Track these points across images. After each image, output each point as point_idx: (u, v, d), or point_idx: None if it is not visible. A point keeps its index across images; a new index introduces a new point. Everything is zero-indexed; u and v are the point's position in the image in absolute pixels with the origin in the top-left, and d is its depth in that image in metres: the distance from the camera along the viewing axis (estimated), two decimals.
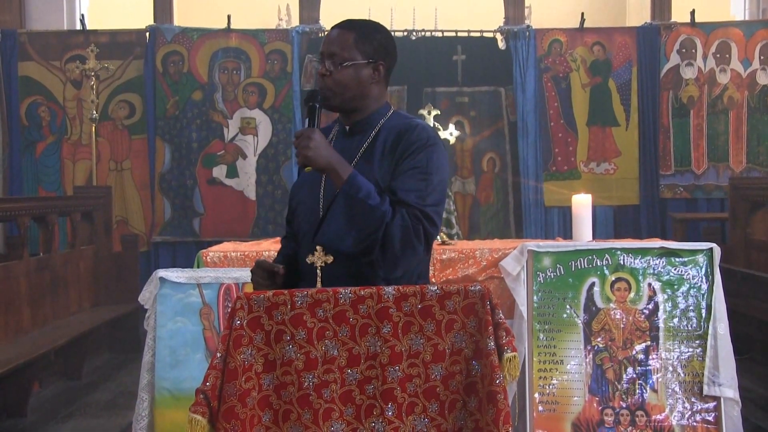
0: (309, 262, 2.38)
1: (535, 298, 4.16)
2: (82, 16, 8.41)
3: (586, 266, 4.19)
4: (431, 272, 4.24)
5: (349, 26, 2.49)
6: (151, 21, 8.32)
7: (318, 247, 2.37)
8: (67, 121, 8.14)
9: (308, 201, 2.48)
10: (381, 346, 2.14)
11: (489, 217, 8.28)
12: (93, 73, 7.76)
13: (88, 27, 8.30)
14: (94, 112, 7.73)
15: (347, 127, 2.53)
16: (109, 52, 8.07)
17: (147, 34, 8.16)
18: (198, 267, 4.30)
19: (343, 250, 2.31)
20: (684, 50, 8.20)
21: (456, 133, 4.83)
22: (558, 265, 4.18)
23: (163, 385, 3.96)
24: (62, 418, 5.34)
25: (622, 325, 4.15)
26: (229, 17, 8.19)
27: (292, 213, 2.59)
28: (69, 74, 8.07)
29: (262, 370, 2.14)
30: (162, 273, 4.09)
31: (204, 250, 4.45)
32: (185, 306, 4.04)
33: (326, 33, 2.52)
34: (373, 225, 2.26)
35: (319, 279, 2.36)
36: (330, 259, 2.36)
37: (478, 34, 8.33)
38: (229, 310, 2.21)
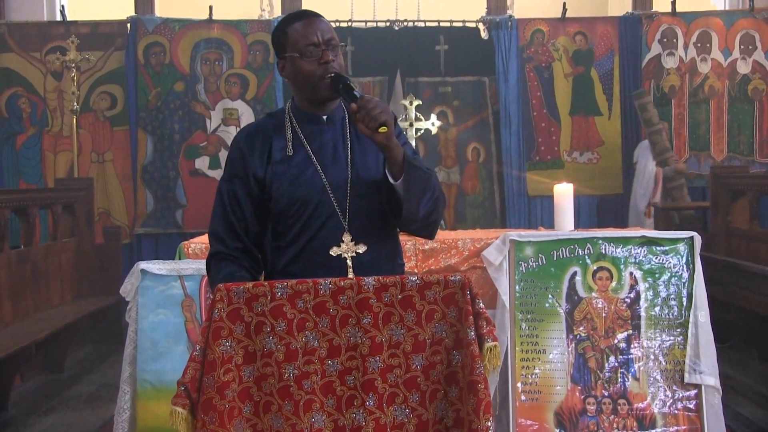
0: (335, 254, 2.36)
1: (517, 287, 4.16)
2: (62, 6, 8.35)
3: (568, 256, 4.20)
4: (414, 263, 4.25)
5: (319, 14, 2.47)
6: (132, 12, 8.26)
7: (345, 238, 2.36)
8: (48, 113, 8.08)
9: (315, 195, 2.40)
10: (361, 336, 2.14)
11: (475, 206, 8.30)
12: (74, 65, 7.69)
13: (69, 18, 8.23)
14: (75, 103, 7.66)
15: (324, 117, 2.49)
16: (90, 43, 8.00)
17: (128, 24, 8.11)
18: (180, 259, 4.28)
19: (416, 218, 2.37)
20: (665, 40, 8.23)
21: (438, 123, 4.83)
22: (540, 255, 4.19)
23: (145, 378, 3.94)
24: (44, 411, 5.31)
25: (603, 314, 4.16)
26: (210, 8, 8.14)
27: (262, 220, 2.45)
28: (49, 65, 8.00)
29: (242, 362, 2.13)
30: (143, 265, 4.07)
31: (186, 242, 4.43)
32: (167, 298, 4.02)
33: (309, 22, 2.45)
34: (431, 188, 2.37)
35: (350, 269, 2.35)
36: (361, 248, 2.36)
37: (460, 24, 8.33)
38: (209, 301, 2.20)
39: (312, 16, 2.46)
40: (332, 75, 2.37)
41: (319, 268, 2.36)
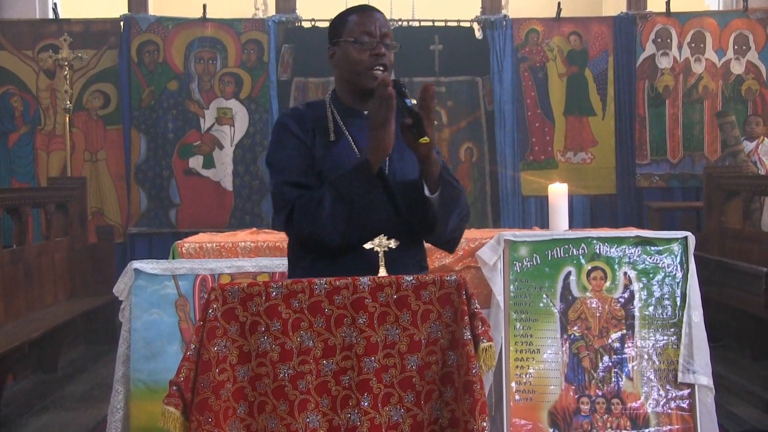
0: (368, 247, 2.34)
1: (511, 287, 4.16)
2: (55, 4, 8.31)
3: (562, 255, 4.20)
4: None
5: (380, 11, 2.55)
6: (125, 10, 8.23)
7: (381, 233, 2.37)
8: (41, 111, 8.05)
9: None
10: (356, 336, 2.13)
11: None
12: (66, 63, 7.66)
13: (61, 16, 8.20)
14: (68, 102, 7.63)
15: (366, 112, 2.50)
16: (83, 41, 7.97)
17: (121, 23, 8.07)
18: (173, 258, 4.27)
19: (444, 232, 2.40)
20: (659, 40, 8.24)
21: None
22: (534, 255, 4.19)
23: (138, 377, 3.93)
24: (37, 411, 5.30)
25: (598, 314, 4.17)
26: (204, 6, 8.12)
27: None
28: (42, 64, 7.97)
29: (237, 362, 2.12)
30: (137, 264, 4.05)
31: (179, 241, 4.41)
32: (160, 297, 4.01)
33: (370, 14, 2.51)
34: (459, 205, 2.41)
35: (382, 264, 2.34)
36: (393, 243, 2.34)
37: (455, 24, 8.33)
38: (204, 301, 2.19)
39: (374, 10, 2.54)
40: (395, 81, 2.39)
41: (352, 260, 2.37)
